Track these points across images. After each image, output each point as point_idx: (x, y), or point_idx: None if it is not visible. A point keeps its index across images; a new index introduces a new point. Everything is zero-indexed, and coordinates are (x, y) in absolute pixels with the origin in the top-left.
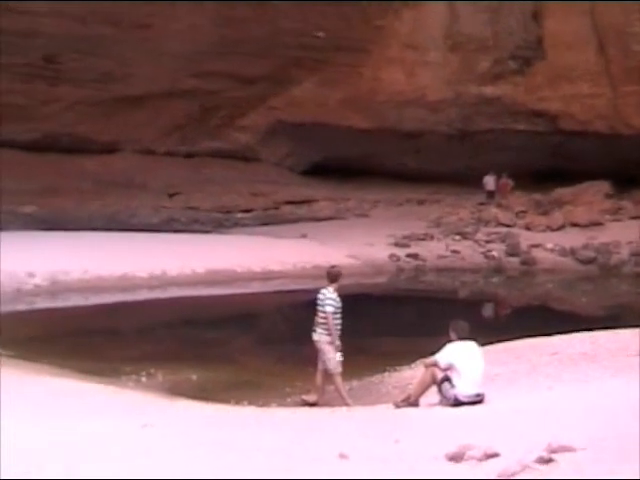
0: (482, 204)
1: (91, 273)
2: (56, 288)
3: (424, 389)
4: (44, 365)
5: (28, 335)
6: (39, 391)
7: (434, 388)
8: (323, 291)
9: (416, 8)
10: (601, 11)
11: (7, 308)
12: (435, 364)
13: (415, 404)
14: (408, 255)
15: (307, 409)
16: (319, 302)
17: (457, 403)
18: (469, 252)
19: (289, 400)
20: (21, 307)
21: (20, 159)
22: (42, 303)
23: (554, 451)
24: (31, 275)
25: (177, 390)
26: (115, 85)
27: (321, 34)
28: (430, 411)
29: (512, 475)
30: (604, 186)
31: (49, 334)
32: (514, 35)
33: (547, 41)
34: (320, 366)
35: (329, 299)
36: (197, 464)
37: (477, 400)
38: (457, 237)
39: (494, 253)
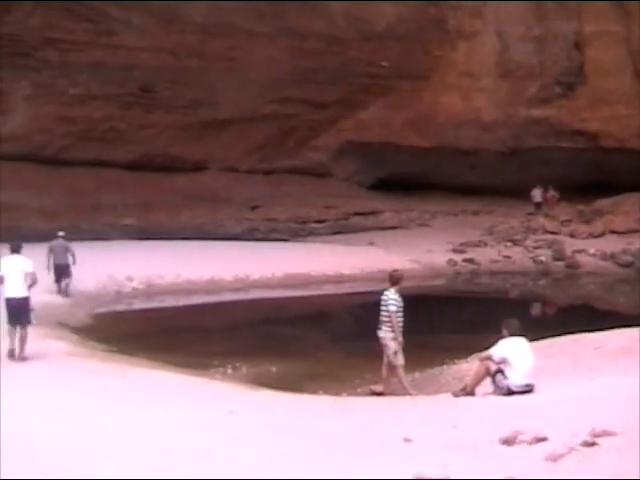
0: (531, 214)
1: (182, 277)
2: (151, 290)
3: (479, 380)
4: (141, 359)
5: (127, 332)
6: (137, 382)
7: (488, 379)
8: (386, 292)
9: (470, 40)
10: (636, 40)
11: (109, 308)
12: (489, 358)
13: (471, 393)
14: (464, 260)
15: (375, 398)
16: (382, 302)
17: (509, 392)
18: (519, 257)
19: (359, 390)
20: (121, 307)
21: (120, 177)
22: (139, 304)
23: (597, 435)
24: (130, 279)
25: (259, 381)
26: (203, 111)
27: (386, 64)
28: (485, 400)
29: (559, 457)
30: None
31: (145, 331)
32: (558, 63)
33: (588, 68)
34: (385, 359)
35: (392, 299)
36: (277, 447)
37: (527, 390)
38: (508, 244)
39: (542, 258)
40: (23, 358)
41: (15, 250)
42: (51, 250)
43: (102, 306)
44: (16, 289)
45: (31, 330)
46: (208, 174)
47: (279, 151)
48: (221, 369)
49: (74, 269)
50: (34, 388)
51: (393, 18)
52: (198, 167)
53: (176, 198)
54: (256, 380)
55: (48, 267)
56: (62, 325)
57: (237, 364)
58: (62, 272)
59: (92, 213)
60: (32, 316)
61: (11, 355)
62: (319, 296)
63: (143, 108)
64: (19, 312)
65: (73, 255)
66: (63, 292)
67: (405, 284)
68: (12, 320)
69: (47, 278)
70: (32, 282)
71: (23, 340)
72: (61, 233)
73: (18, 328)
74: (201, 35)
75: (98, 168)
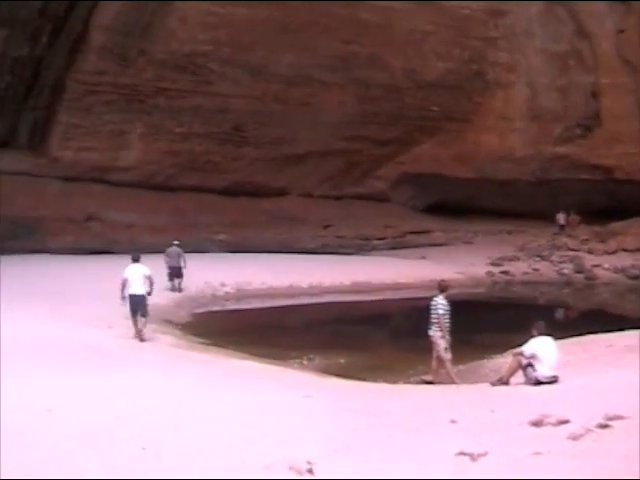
0: (556, 234)
1: (267, 284)
2: (241, 294)
3: (513, 372)
4: (232, 351)
5: (221, 328)
6: (228, 369)
7: (520, 371)
8: (435, 299)
9: (506, 89)
10: None
11: (206, 309)
12: (521, 353)
13: (506, 383)
14: (501, 272)
15: (425, 386)
16: (432, 307)
17: (538, 383)
18: (546, 270)
19: (412, 379)
20: (215, 308)
21: (216, 201)
22: (231, 305)
23: (610, 419)
24: (223, 285)
25: (329, 370)
26: (284, 146)
27: (436, 108)
28: (517, 388)
29: (579, 437)
30: None
31: (236, 328)
32: (578, 109)
33: (603, 113)
34: (434, 354)
35: (440, 304)
36: (344, 425)
37: (553, 380)
38: (537, 258)
39: (565, 271)
40: (143, 339)
41: (136, 259)
42: (167, 255)
43: (200, 307)
44: (137, 288)
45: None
46: (288, 199)
47: (347, 180)
48: (298, 360)
49: (184, 271)
50: (145, 373)
51: (442, 71)
52: (280, 193)
53: (262, 218)
54: (327, 370)
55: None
56: (168, 322)
57: (311, 356)
58: (175, 273)
59: (192, 230)
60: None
61: (135, 337)
62: (380, 301)
63: (235, 144)
64: (139, 305)
65: (184, 260)
66: (176, 289)
67: (451, 291)
68: (134, 311)
69: (162, 279)
70: (150, 283)
71: (143, 326)
72: (176, 242)
73: (139, 317)
74: (284, 84)
75: (198, 193)
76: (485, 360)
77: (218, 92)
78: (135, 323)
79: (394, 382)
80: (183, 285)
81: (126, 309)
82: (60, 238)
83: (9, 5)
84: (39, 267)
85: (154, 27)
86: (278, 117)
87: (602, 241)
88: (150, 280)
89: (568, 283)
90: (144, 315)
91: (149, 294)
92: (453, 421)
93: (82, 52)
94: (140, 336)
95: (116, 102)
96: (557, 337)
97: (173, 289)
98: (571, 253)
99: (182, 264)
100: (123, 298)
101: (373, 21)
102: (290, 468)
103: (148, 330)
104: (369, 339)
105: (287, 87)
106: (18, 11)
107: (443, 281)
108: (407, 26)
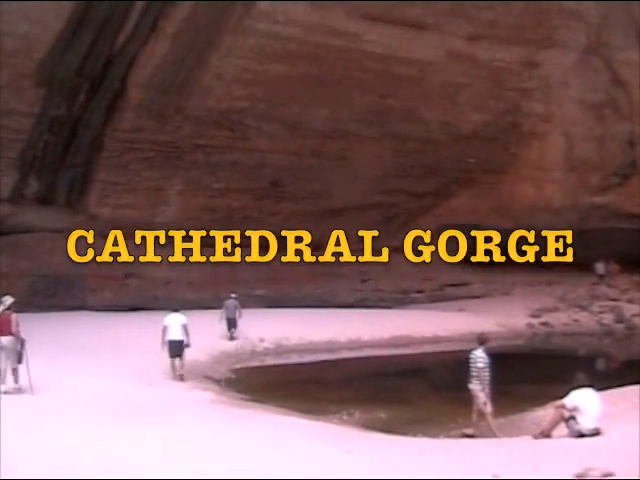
0: (595, 284)
1: (305, 338)
2: (280, 349)
3: (555, 424)
4: (272, 406)
5: (260, 384)
6: (268, 425)
7: (563, 424)
8: (474, 352)
9: (542, 140)
10: None
11: (245, 364)
12: (563, 406)
13: (548, 436)
14: (540, 323)
15: (467, 439)
16: (472, 360)
17: (580, 435)
18: (586, 320)
19: (453, 432)
20: (255, 363)
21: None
22: (270, 360)
23: None
24: (262, 340)
25: (370, 425)
26: (321, 201)
27: (472, 160)
28: (560, 441)
29: None
30: None
31: (275, 383)
32: (615, 158)
33: None
34: (475, 407)
35: (480, 357)
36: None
37: (596, 433)
38: (577, 309)
39: (605, 321)
40: (182, 378)
41: (175, 310)
42: (225, 307)
43: (239, 362)
44: (176, 335)
45: (185, 382)
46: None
47: (384, 233)
48: (338, 415)
49: (240, 322)
50: (186, 430)
51: (478, 123)
52: (317, 247)
53: (299, 271)
54: (367, 424)
55: (220, 319)
56: (207, 378)
57: (351, 410)
58: (231, 323)
59: (230, 285)
60: (185, 349)
61: (174, 378)
62: (419, 354)
63: (272, 199)
64: (177, 349)
65: (240, 312)
66: (232, 338)
67: (491, 344)
68: (173, 354)
69: (219, 327)
70: (186, 333)
71: (181, 367)
72: (233, 295)
73: (177, 360)
74: (320, 139)
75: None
76: (526, 412)
77: (255, 147)
78: (173, 367)
79: (435, 436)
80: (236, 334)
81: (166, 359)
82: (99, 295)
83: (46, 65)
84: (78, 323)
85: (190, 84)
86: (314, 171)
87: None
88: (186, 329)
89: (608, 333)
90: (181, 357)
91: (187, 346)
92: (495, 475)
93: (119, 110)
94: (180, 377)
95: (154, 159)
96: (599, 388)
97: (231, 338)
98: (611, 303)
99: (238, 315)
100: (163, 343)
101: (407, 75)
102: None
103: (188, 386)
104: (409, 392)
105: (323, 141)
106: (55, 70)
107: (482, 334)
108: (441, 79)
